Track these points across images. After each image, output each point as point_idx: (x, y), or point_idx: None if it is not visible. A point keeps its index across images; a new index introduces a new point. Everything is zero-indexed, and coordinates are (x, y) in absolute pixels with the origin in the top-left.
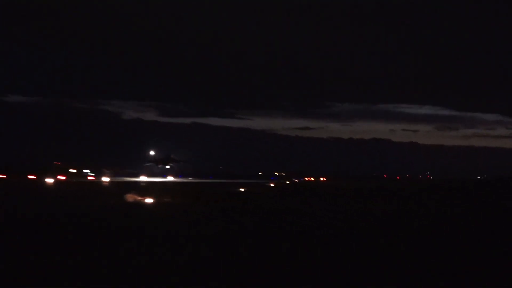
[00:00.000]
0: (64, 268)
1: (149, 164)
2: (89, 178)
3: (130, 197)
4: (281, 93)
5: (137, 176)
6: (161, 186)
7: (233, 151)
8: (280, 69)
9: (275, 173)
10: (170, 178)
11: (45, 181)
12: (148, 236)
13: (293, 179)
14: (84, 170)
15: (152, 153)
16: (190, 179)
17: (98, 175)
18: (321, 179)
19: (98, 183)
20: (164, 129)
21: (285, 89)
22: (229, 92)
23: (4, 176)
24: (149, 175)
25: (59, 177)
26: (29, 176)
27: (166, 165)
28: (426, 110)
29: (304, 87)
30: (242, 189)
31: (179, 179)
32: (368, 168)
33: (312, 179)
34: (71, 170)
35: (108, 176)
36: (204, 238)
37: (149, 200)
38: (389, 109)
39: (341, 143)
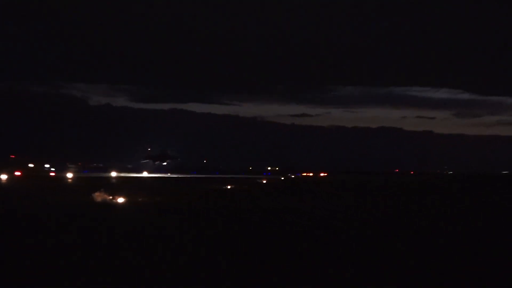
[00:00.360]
0: None
1: (146, 161)
2: (50, 173)
3: (98, 196)
4: (274, 75)
5: (107, 171)
6: (135, 182)
7: (219, 142)
8: (273, 46)
9: (268, 168)
10: (145, 174)
11: None
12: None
13: (289, 174)
14: (45, 165)
15: (149, 149)
16: (169, 175)
17: (61, 170)
18: (321, 174)
19: (59, 180)
20: (138, 117)
21: (279, 70)
22: (214, 73)
23: None
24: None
25: (15, 172)
26: None
27: (163, 162)
28: (443, 93)
29: (302, 68)
30: (229, 187)
31: (158, 174)
32: (376, 161)
33: (311, 174)
34: (29, 165)
35: (72, 172)
36: (162, 261)
37: (119, 199)
38: (401, 93)
39: (344, 133)
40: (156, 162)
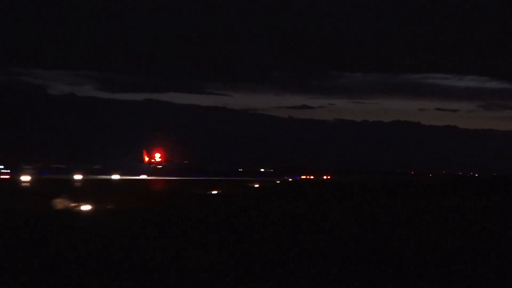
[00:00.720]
0: None
1: (140, 163)
2: (2, 176)
3: (59, 203)
4: (270, 60)
5: (71, 173)
6: (105, 186)
7: (203, 139)
8: (268, 27)
9: (261, 169)
10: (116, 176)
11: None
12: None
13: (286, 177)
14: None
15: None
16: (144, 177)
17: (16, 172)
18: (324, 176)
19: (13, 183)
20: (106, 108)
21: (275, 55)
22: (198, 58)
23: None
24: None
25: None
26: None
27: (158, 164)
28: (468, 82)
29: (302, 52)
30: (214, 191)
31: (129, 177)
32: (389, 162)
33: (312, 177)
34: None
35: (29, 174)
36: None
37: (84, 207)
38: (418, 81)
39: (352, 128)
40: (151, 165)
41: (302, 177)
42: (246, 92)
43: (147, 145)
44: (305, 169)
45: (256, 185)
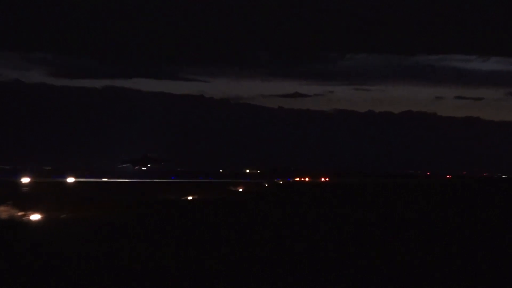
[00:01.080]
0: None
1: (125, 165)
2: None
3: (3, 212)
4: (255, 39)
5: (18, 175)
6: (59, 191)
7: (176, 134)
8: (253, 1)
9: (246, 170)
10: (70, 179)
11: None
12: None
13: (276, 179)
14: None
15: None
16: (105, 179)
17: None
18: (322, 179)
19: None
20: (59, 97)
21: (262, 32)
22: (170, 37)
23: None
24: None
25: None
26: None
27: (144, 166)
28: (493, 64)
29: (294, 29)
30: (189, 197)
31: (88, 179)
32: (399, 161)
33: (307, 179)
34: None
35: None
36: None
37: (33, 216)
38: (434, 63)
39: (354, 120)
40: (136, 167)
41: (295, 179)
42: (227, 78)
43: (108, 140)
44: (299, 169)
45: (240, 189)
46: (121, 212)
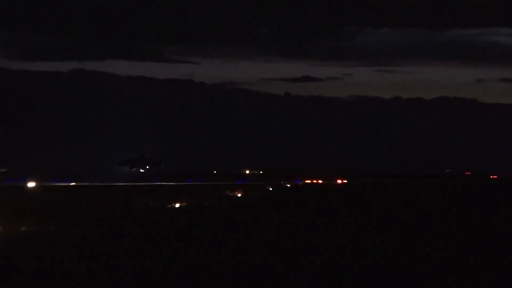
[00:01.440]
0: None
1: (122, 167)
2: None
3: None
4: (256, 13)
5: None
6: (18, 197)
7: (161, 126)
8: None
9: (246, 171)
10: (31, 184)
11: None
12: None
13: (282, 181)
14: None
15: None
16: (80, 184)
17: None
18: (338, 181)
19: None
20: (18, 83)
21: (263, 6)
22: (152, 11)
23: None
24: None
25: None
26: None
27: (141, 168)
28: None
29: (302, 0)
30: (177, 204)
31: (67, 183)
32: (432, 158)
33: (321, 181)
34: None
35: None
36: None
37: None
38: (474, 39)
39: (376, 108)
40: (133, 169)
41: (306, 181)
42: (221, 59)
43: (77, 135)
44: (309, 169)
45: (238, 194)
46: (87, 223)
